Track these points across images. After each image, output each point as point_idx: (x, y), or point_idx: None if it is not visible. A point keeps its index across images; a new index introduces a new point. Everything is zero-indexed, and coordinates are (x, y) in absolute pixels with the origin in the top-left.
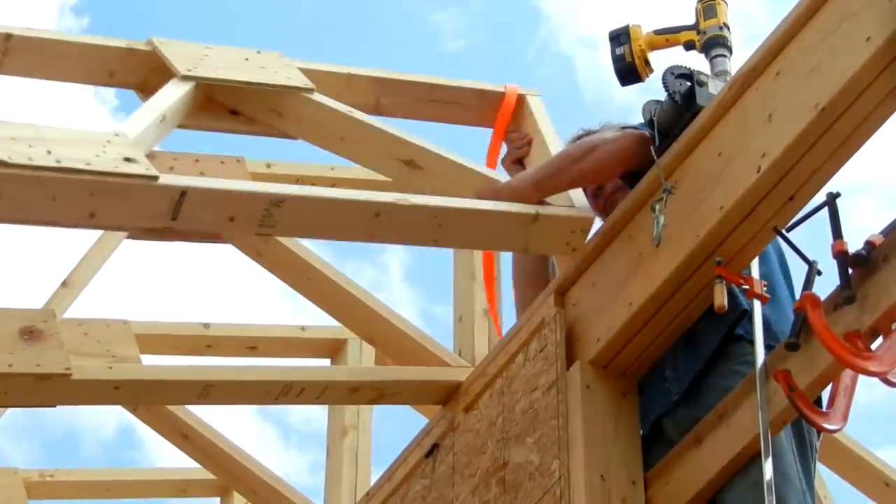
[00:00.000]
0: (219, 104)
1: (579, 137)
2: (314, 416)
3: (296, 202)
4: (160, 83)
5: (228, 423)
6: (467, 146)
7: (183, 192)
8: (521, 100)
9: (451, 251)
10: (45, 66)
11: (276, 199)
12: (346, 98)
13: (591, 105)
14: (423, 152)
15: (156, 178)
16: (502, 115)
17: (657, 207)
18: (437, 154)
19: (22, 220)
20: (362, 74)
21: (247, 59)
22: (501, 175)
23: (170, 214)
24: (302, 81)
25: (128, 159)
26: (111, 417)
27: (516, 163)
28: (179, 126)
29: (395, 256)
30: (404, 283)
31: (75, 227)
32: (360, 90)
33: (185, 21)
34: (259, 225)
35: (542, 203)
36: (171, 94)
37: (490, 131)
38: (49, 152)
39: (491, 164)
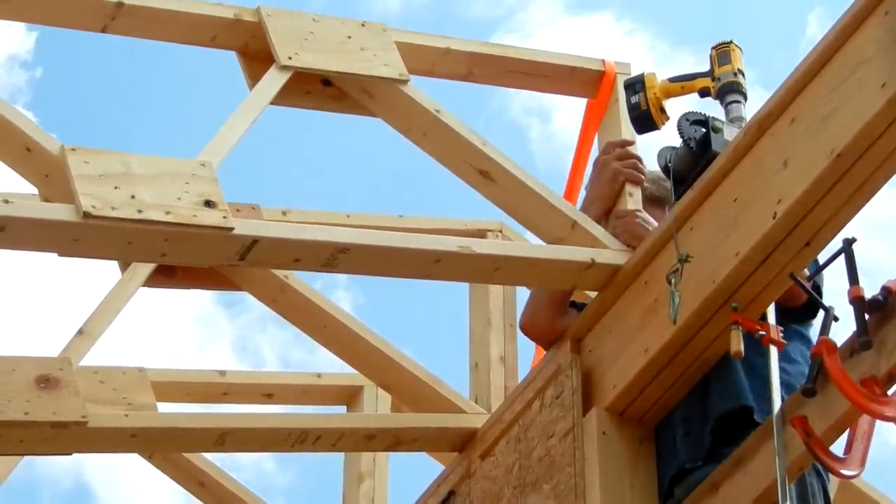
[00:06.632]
0: (313, 75)
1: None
2: (268, 468)
3: (361, 249)
4: (260, 49)
5: None
6: None
7: (255, 241)
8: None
9: (437, 294)
10: (150, 30)
11: (342, 248)
12: (440, 68)
13: (545, 174)
14: (497, 167)
15: (231, 229)
16: (600, 100)
17: (673, 280)
18: (511, 173)
19: (93, 257)
20: (460, 50)
21: (349, 36)
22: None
23: (238, 257)
24: (398, 70)
25: (208, 203)
26: (67, 472)
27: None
28: (270, 103)
29: (347, 294)
30: None
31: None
32: (454, 62)
33: None
34: (322, 266)
35: (598, 245)
36: (269, 89)
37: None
38: (133, 197)
39: (584, 139)
